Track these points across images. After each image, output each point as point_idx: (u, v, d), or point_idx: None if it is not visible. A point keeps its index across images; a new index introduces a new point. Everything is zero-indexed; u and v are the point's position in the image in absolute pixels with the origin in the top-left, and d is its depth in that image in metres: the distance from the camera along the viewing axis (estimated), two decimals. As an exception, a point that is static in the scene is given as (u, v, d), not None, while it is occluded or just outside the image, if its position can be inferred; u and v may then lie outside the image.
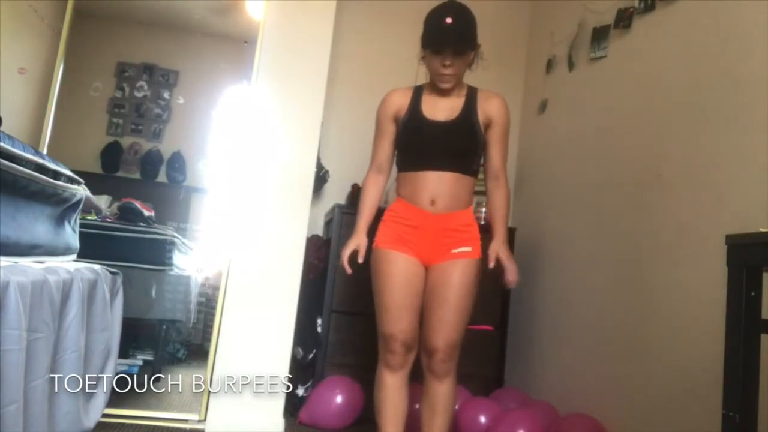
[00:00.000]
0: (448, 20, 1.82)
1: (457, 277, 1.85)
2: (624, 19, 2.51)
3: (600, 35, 2.67)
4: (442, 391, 1.84)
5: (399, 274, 1.86)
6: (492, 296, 2.87)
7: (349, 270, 1.89)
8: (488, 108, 1.93)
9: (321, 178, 3.06)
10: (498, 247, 1.89)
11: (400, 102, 1.96)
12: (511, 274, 1.86)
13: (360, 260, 1.88)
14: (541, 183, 3.14)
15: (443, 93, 1.92)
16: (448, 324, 1.82)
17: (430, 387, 1.85)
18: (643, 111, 2.36)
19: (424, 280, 1.89)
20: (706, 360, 1.73)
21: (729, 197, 1.86)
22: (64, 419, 1.54)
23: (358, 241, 1.92)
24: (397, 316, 1.83)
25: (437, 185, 1.88)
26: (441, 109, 1.92)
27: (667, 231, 2.12)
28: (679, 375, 1.95)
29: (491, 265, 1.87)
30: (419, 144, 1.92)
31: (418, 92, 1.97)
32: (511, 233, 3.03)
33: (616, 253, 2.40)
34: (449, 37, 1.84)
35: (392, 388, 1.85)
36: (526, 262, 3.06)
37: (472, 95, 1.95)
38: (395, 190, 2.02)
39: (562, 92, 3.06)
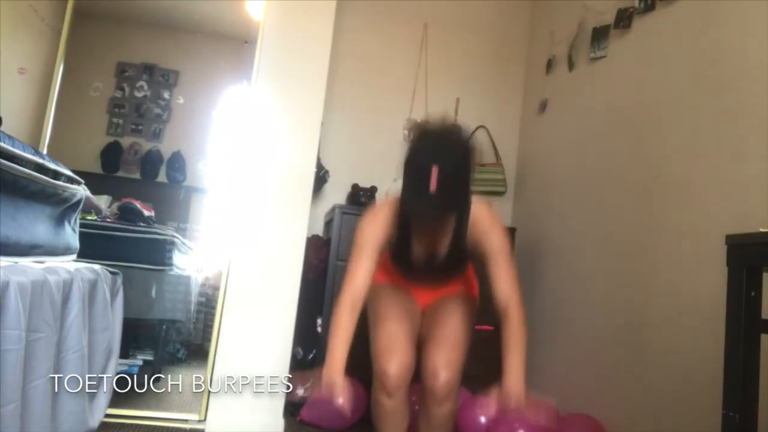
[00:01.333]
0: (432, 185, 1.49)
1: (455, 302, 1.87)
2: (624, 19, 2.51)
3: (600, 35, 2.67)
4: (442, 413, 1.76)
5: (397, 294, 1.89)
6: (492, 297, 2.87)
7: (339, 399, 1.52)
8: (481, 239, 1.73)
9: (321, 178, 3.06)
10: (509, 391, 1.55)
11: (388, 231, 1.75)
12: (537, 414, 1.59)
13: (347, 408, 1.53)
14: (541, 183, 3.14)
15: None
16: (450, 342, 1.76)
17: (429, 409, 1.77)
18: (643, 111, 2.35)
19: (420, 315, 1.90)
20: (706, 360, 1.73)
21: (729, 197, 1.86)
22: (67, 419, 1.54)
23: (332, 381, 1.53)
24: (395, 328, 1.77)
25: (429, 280, 1.91)
26: (431, 242, 1.78)
27: (667, 231, 2.12)
28: (679, 375, 1.95)
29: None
30: (408, 275, 1.90)
31: (405, 218, 1.73)
32: (511, 233, 3.04)
33: (615, 253, 2.40)
34: (432, 211, 1.57)
35: (391, 409, 1.76)
36: (526, 262, 3.07)
37: (463, 216, 1.73)
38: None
39: (562, 92, 3.06)
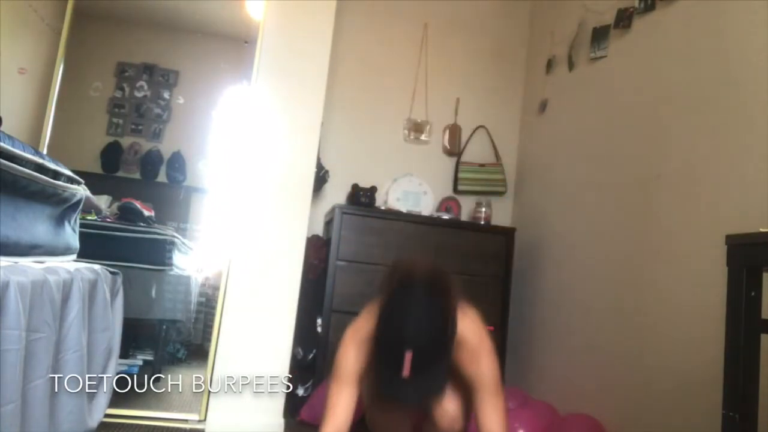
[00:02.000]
0: (406, 371, 1.37)
1: None
2: (624, 19, 2.51)
3: (600, 35, 2.67)
4: None
5: None
6: (492, 297, 2.88)
7: None
8: (467, 363, 1.58)
9: (321, 178, 3.06)
10: None
11: (369, 354, 1.58)
12: None
13: None
14: (541, 183, 3.14)
15: None
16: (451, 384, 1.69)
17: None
18: (643, 111, 2.36)
19: None
20: (706, 360, 1.73)
21: (729, 197, 1.86)
22: (67, 419, 1.54)
23: None
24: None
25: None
26: None
27: (667, 231, 2.12)
28: (679, 375, 1.95)
29: None
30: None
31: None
32: (511, 234, 3.04)
33: (615, 253, 2.40)
34: (406, 399, 1.47)
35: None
36: (526, 262, 3.07)
37: (446, 348, 1.52)
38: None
39: (562, 92, 3.06)
